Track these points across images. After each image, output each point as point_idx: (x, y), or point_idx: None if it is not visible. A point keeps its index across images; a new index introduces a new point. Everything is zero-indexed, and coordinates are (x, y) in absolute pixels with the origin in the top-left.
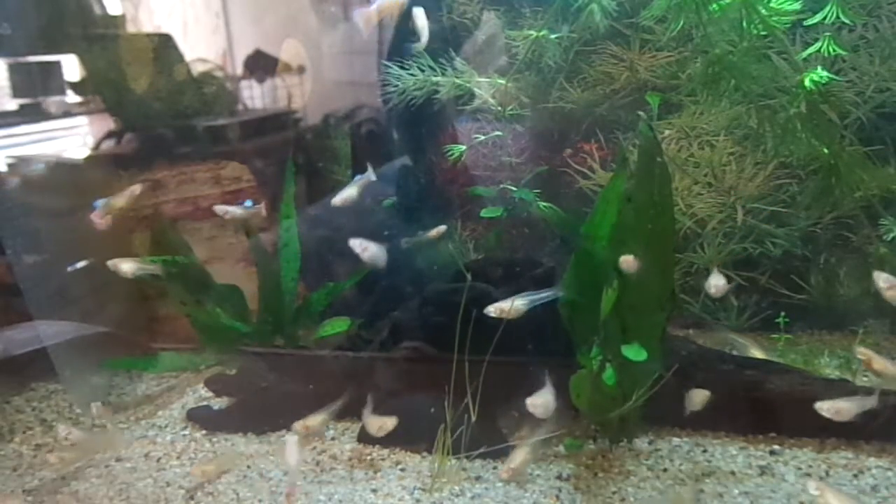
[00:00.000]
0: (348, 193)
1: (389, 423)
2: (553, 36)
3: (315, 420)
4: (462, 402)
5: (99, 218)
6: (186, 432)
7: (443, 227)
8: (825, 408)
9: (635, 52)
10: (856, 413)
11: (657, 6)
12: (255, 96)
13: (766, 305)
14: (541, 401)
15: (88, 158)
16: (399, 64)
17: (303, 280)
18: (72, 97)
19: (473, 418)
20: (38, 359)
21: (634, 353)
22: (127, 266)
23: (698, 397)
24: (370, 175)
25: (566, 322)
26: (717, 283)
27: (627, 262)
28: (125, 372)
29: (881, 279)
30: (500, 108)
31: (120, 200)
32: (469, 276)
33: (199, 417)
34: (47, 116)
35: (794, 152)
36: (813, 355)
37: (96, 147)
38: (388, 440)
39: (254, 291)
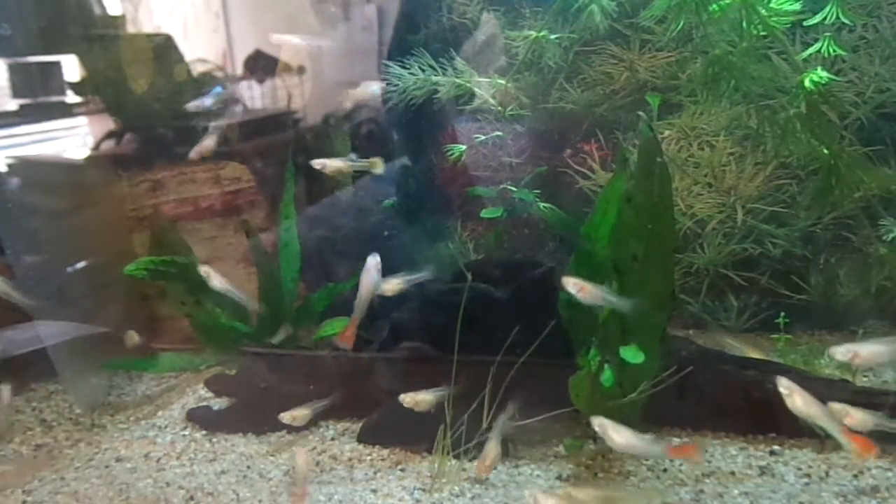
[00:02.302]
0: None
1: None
2: (553, 36)
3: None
4: (462, 402)
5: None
6: (186, 433)
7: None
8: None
9: (635, 53)
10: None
11: (657, 6)
12: (255, 96)
13: (766, 306)
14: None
15: (88, 158)
16: (399, 63)
17: (303, 280)
18: (72, 97)
19: (485, 424)
20: (38, 359)
21: (632, 355)
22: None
23: None
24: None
25: (566, 322)
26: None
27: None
28: (125, 372)
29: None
30: (500, 108)
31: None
32: (469, 277)
33: (199, 418)
34: (47, 116)
35: (794, 152)
36: (813, 355)
37: (96, 147)
38: (388, 440)
39: (254, 291)
